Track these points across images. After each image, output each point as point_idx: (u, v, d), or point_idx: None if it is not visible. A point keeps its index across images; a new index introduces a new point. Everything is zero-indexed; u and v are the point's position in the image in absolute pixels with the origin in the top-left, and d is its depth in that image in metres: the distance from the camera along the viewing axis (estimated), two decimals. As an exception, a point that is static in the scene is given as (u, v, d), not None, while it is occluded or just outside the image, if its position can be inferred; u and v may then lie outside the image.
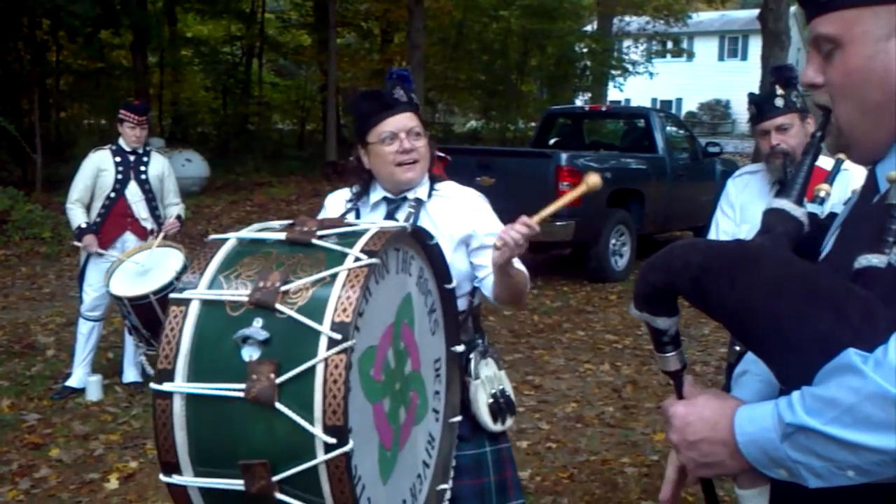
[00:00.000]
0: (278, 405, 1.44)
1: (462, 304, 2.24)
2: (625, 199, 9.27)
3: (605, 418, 4.92)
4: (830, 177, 2.54)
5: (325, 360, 1.44)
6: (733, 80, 35.86)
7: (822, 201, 1.87)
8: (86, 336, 5.25)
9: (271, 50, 22.36)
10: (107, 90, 17.67)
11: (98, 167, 5.18)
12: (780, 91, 2.95)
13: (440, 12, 19.30)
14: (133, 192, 5.23)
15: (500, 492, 2.34)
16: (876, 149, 1.14)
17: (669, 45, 29.51)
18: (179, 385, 1.49)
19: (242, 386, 1.45)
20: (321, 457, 1.45)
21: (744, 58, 37.93)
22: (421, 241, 1.93)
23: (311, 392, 1.45)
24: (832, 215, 1.36)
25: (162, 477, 1.54)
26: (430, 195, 2.31)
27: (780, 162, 2.91)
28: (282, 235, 1.64)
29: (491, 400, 2.27)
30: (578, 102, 22.64)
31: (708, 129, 35.67)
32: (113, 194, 5.18)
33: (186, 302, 1.53)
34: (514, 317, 7.34)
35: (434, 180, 2.35)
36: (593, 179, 2.15)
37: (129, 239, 5.21)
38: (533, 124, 19.63)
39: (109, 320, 5.81)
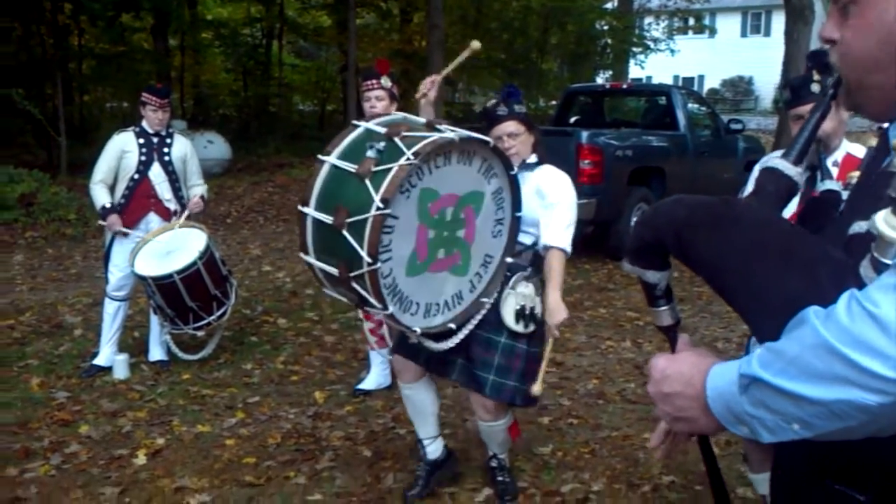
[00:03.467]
0: (366, 181, 2.61)
1: (528, 238, 3.24)
2: (646, 176, 9.23)
3: (626, 394, 4.93)
4: (863, 164, 2.52)
5: (399, 165, 2.61)
6: (756, 57, 35.44)
7: None
8: (112, 316, 5.31)
9: (291, 31, 22.31)
10: (129, 73, 17.70)
11: (122, 149, 5.21)
12: (816, 76, 2.92)
13: (459, -9, 19.19)
14: (157, 174, 5.26)
15: (504, 370, 3.19)
16: (886, 108, 1.11)
17: (691, 21, 29.16)
18: (312, 208, 2.76)
19: (356, 166, 2.68)
20: (373, 212, 2.57)
21: (767, 34, 37.41)
22: (504, 163, 2.95)
23: (384, 178, 2.59)
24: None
25: (299, 207, 2.78)
26: (535, 166, 3.39)
27: (812, 147, 2.89)
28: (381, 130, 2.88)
29: (518, 308, 3.15)
30: (599, 80, 22.51)
31: (730, 106, 35.32)
32: (137, 176, 5.21)
33: (322, 162, 2.78)
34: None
35: (542, 162, 3.41)
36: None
37: (153, 220, 5.26)
38: (554, 102, 19.50)
39: (135, 300, 5.89)
